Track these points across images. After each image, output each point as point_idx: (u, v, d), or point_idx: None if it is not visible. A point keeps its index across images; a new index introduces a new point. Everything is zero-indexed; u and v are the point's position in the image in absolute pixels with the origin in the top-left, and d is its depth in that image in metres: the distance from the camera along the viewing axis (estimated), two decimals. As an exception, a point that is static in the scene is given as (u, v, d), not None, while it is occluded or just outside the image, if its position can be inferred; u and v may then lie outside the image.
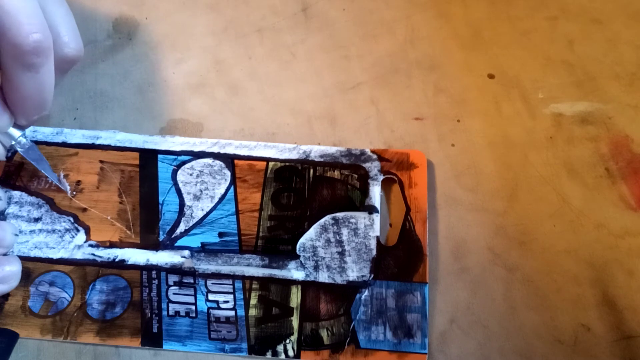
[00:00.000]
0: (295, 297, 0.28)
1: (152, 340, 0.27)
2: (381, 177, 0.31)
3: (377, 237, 0.29)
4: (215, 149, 0.32)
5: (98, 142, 0.32)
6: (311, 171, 0.31)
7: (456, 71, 0.35)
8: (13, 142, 0.27)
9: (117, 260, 0.29)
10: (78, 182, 0.31)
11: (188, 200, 0.30)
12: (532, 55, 0.35)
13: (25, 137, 0.27)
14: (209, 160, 0.31)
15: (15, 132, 0.27)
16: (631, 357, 0.27)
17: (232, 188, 0.31)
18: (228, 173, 0.31)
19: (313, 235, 0.29)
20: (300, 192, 0.30)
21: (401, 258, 0.29)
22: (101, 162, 0.31)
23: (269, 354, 0.27)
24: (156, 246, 0.29)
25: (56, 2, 0.25)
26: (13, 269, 0.27)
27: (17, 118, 0.26)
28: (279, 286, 0.28)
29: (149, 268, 0.29)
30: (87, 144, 0.32)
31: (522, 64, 0.35)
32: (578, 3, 0.37)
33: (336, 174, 0.31)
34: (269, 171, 0.31)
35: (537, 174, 0.31)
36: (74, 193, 0.30)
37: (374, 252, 0.29)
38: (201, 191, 0.30)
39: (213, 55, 0.35)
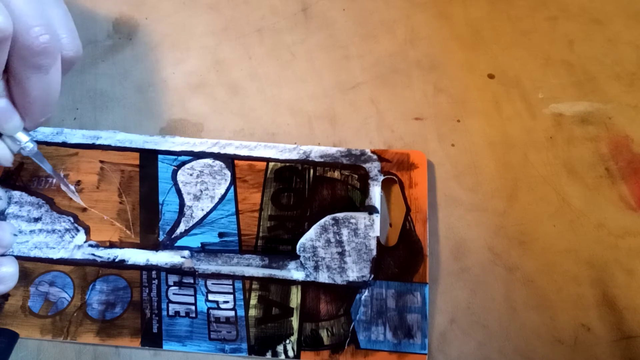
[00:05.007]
0: (295, 298, 0.28)
1: (152, 340, 0.27)
2: (381, 178, 0.31)
3: (377, 237, 0.29)
4: (215, 149, 0.32)
5: (98, 142, 0.32)
6: (311, 171, 0.31)
7: (456, 71, 0.35)
8: (21, 148, 0.27)
9: (117, 260, 0.29)
10: (78, 182, 0.31)
11: (188, 201, 0.30)
12: (532, 55, 0.35)
13: (32, 143, 0.27)
14: (209, 161, 0.31)
15: (23, 137, 0.27)
16: (631, 357, 0.27)
17: (232, 188, 0.31)
18: (228, 173, 0.31)
19: (313, 236, 0.29)
20: (301, 193, 0.30)
21: (401, 258, 0.29)
22: (101, 162, 0.31)
23: (268, 354, 0.27)
24: (156, 246, 0.29)
25: (54, 4, 0.25)
26: (9, 270, 0.27)
27: (24, 120, 0.26)
28: (279, 286, 0.28)
29: (148, 268, 0.29)
30: (87, 144, 0.32)
31: (522, 64, 0.35)
32: (578, 3, 0.37)
33: (336, 174, 0.31)
34: (269, 171, 0.31)
35: (537, 174, 0.31)
36: (76, 192, 0.30)
37: (374, 253, 0.29)
38: (201, 191, 0.30)
39: (213, 55, 0.35)
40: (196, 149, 0.32)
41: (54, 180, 0.31)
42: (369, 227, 0.29)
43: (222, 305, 0.28)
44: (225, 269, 0.29)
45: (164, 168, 0.31)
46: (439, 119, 0.33)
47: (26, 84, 0.24)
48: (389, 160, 0.31)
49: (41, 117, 0.26)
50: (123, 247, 0.29)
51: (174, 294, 0.28)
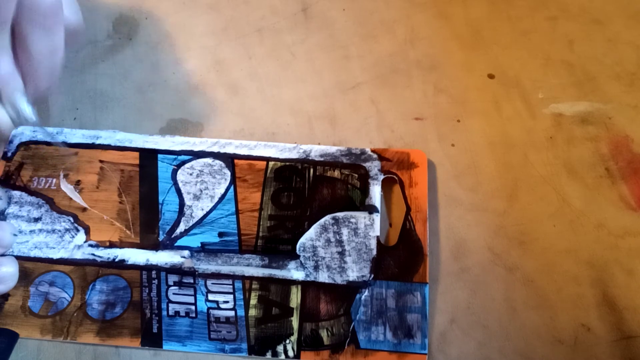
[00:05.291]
0: (295, 297, 0.28)
1: (152, 340, 0.27)
2: (381, 177, 0.31)
3: (377, 237, 0.29)
4: (215, 149, 0.32)
5: (98, 141, 0.32)
6: (311, 171, 0.31)
7: (456, 71, 0.35)
8: (22, 117, 0.27)
9: (117, 260, 0.29)
10: (78, 182, 0.31)
11: (188, 200, 0.30)
12: (532, 55, 0.35)
13: (34, 112, 0.27)
14: (208, 160, 0.31)
15: (24, 105, 0.26)
16: (631, 357, 0.27)
17: (232, 188, 0.31)
18: (228, 173, 0.31)
19: (313, 235, 0.29)
20: (301, 192, 0.30)
21: (401, 258, 0.29)
22: (101, 161, 0.31)
23: (268, 355, 0.27)
24: (156, 246, 0.29)
25: None
26: (9, 270, 0.27)
27: (27, 85, 0.26)
28: (279, 286, 0.28)
29: (148, 268, 0.29)
30: (87, 143, 0.32)
31: (522, 64, 0.35)
32: (578, 3, 0.37)
33: (336, 173, 0.31)
34: (269, 171, 0.31)
35: (537, 174, 0.31)
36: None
37: (374, 252, 0.29)
38: (201, 191, 0.30)
39: (213, 55, 0.35)
40: (196, 149, 0.32)
41: (54, 180, 0.31)
42: (369, 227, 0.29)
43: (222, 305, 0.28)
44: (225, 269, 0.29)
45: (163, 167, 0.31)
46: (439, 119, 0.33)
47: (31, 45, 0.24)
48: (389, 159, 0.31)
49: (43, 84, 0.26)
50: (123, 247, 0.29)
51: (174, 293, 0.28)
